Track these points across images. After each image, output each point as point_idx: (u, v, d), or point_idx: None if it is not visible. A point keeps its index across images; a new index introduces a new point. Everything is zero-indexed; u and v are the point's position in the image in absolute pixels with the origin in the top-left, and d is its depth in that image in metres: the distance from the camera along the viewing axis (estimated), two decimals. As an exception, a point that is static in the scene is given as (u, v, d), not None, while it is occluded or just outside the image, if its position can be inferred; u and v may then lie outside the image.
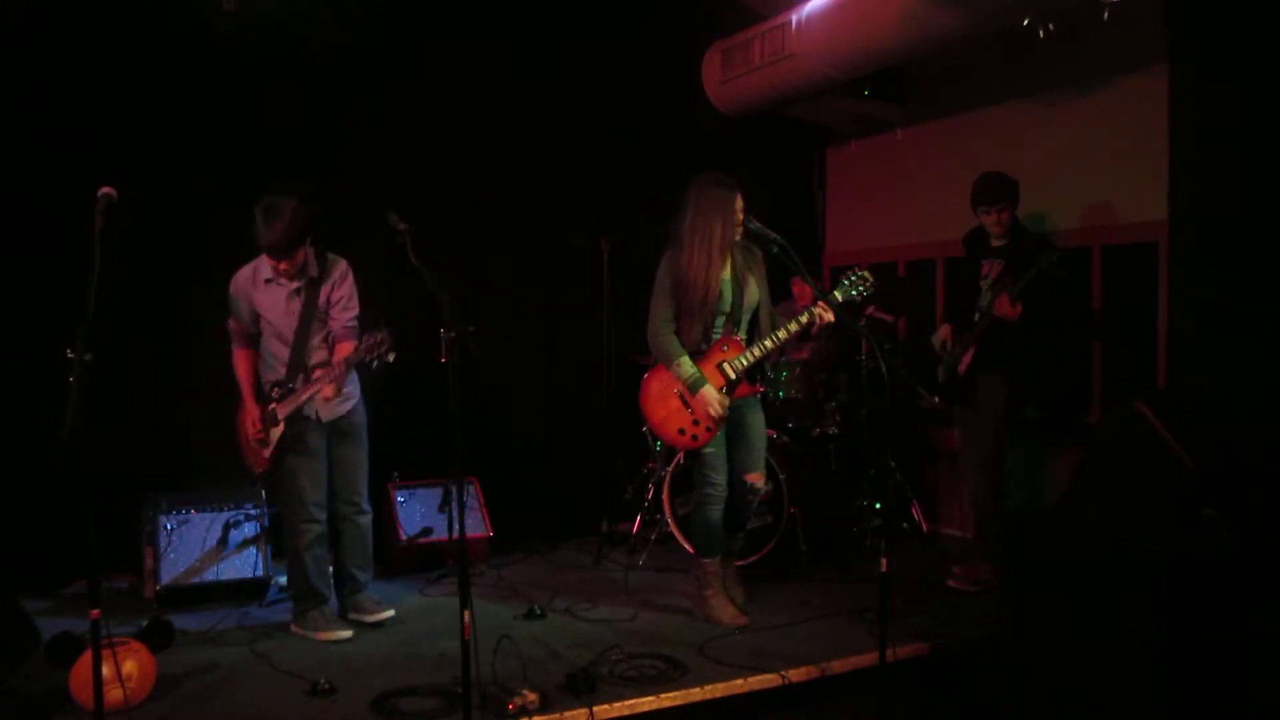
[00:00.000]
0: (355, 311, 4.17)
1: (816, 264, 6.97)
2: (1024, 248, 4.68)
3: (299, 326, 4.07)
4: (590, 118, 6.05)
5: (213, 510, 4.79)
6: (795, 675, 3.72)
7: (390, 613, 4.34)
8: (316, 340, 4.12)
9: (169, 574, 4.60)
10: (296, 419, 4.10)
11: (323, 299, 4.11)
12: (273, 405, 4.11)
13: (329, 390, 3.95)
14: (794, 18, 5.36)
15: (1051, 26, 4.47)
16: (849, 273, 4.17)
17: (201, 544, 4.70)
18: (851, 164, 6.87)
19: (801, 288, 5.80)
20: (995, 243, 4.81)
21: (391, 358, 3.75)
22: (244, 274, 4.14)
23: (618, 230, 5.58)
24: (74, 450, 2.73)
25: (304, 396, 4.02)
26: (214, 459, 5.09)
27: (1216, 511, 3.35)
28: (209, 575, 4.66)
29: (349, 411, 4.23)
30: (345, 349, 4.01)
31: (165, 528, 4.67)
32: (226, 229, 5.10)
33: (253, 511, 4.83)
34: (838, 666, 3.81)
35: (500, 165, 5.83)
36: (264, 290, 4.09)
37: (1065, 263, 4.54)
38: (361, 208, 4.23)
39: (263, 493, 4.89)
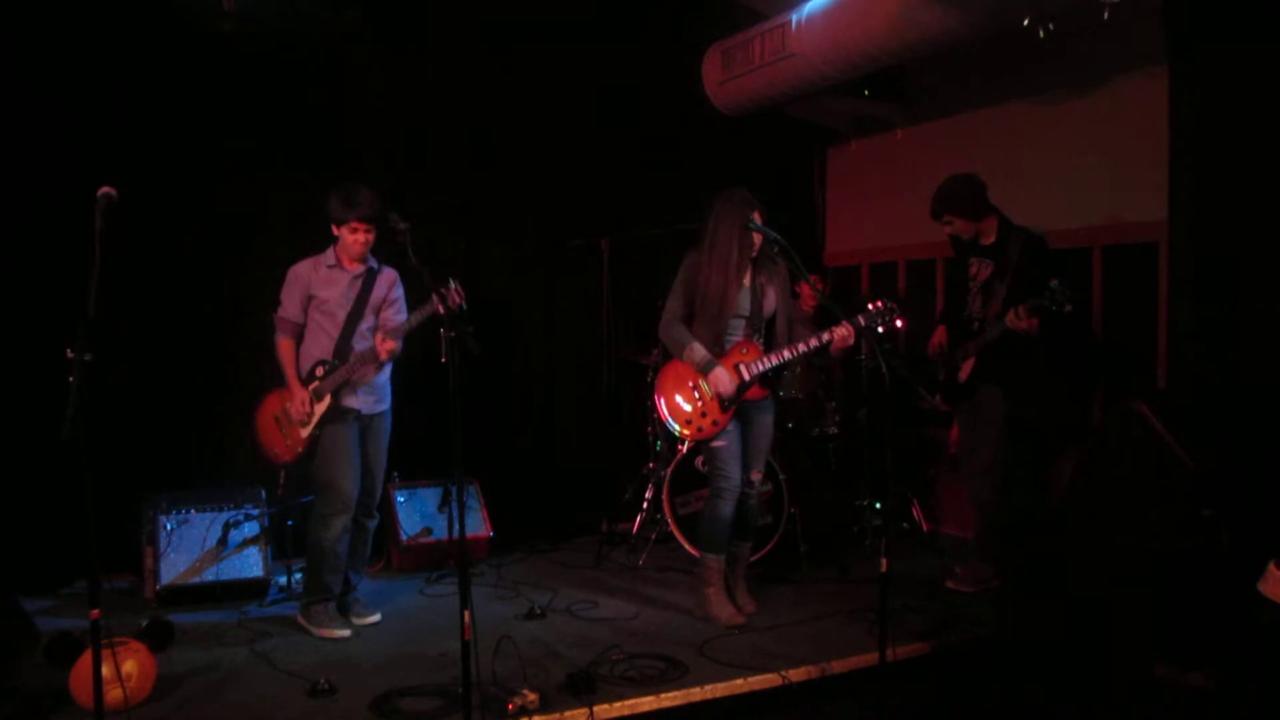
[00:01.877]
0: (405, 317, 4.30)
1: (817, 264, 6.97)
2: (1015, 248, 4.65)
3: (352, 310, 4.20)
4: (590, 117, 6.05)
5: (213, 510, 4.79)
6: (795, 675, 3.72)
7: (376, 616, 4.36)
8: (364, 327, 4.24)
9: (169, 574, 4.60)
10: (341, 409, 4.17)
11: (376, 295, 4.26)
12: (316, 383, 4.17)
13: (391, 344, 4.04)
14: (794, 17, 5.36)
15: (1051, 26, 4.47)
16: (879, 301, 4.12)
17: (201, 544, 4.70)
18: (851, 164, 6.87)
19: (802, 288, 5.81)
20: (984, 241, 4.80)
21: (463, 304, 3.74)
22: (304, 263, 4.26)
23: (618, 230, 5.58)
24: (74, 450, 2.74)
25: (351, 371, 4.12)
26: (214, 459, 5.10)
27: (1216, 511, 3.35)
28: (209, 575, 4.66)
29: (383, 414, 4.32)
30: (391, 344, 4.15)
31: (165, 528, 4.67)
32: (227, 228, 5.13)
33: (253, 511, 4.82)
34: (838, 666, 3.81)
35: (500, 165, 5.84)
36: (326, 274, 4.22)
37: (1072, 299, 4.38)
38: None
39: (262, 493, 4.89)
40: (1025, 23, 4.45)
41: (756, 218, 4.14)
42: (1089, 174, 5.15)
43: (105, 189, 3.03)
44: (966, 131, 5.88)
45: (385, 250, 4.19)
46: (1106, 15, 4.30)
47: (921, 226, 6.12)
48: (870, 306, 4.11)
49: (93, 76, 4.81)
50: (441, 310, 3.44)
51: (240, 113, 5.12)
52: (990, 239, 4.75)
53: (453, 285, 3.73)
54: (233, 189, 5.12)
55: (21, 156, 4.67)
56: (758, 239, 4.16)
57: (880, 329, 4.09)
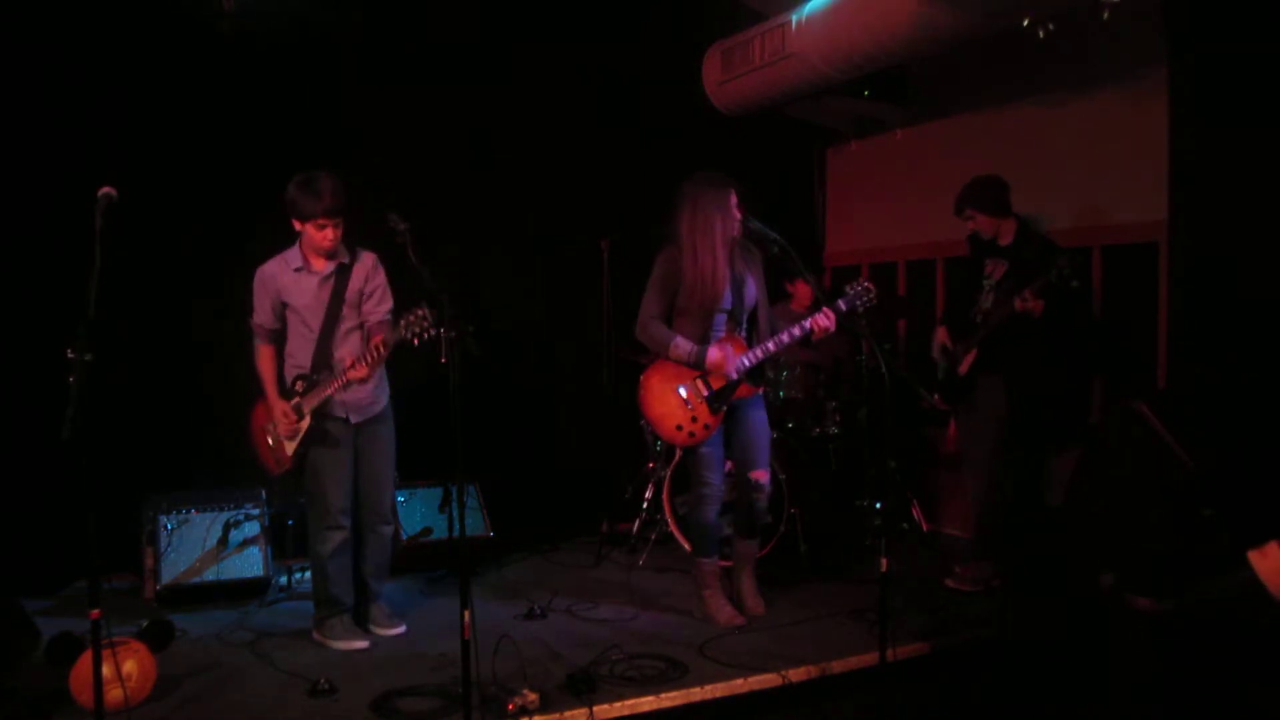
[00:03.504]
0: (390, 305, 4.11)
1: (817, 264, 6.97)
2: (1030, 250, 4.68)
3: (327, 314, 3.99)
4: (590, 117, 6.05)
5: (213, 510, 4.79)
6: (795, 675, 3.72)
7: (402, 628, 4.24)
8: (344, 330, 4.02)
9: (169, 574, 4.60)
10: (327, 418, 4.02)
11: (353, 289, 4.03)
12: (297, 399, 4.01)
13: (362, 370, 3.82)
14: (794, 17, 5.36)
15: (1052, 26, 4.47)
16: (854, 283, 4.10)
17: (201, 544, 4.70)
18: (851, 164, 6.87)
19: (799, 287, 5.81)
20: (1001, 242, 4.81)
21: (432, 334, 3.54)
22: (270, 265, 4.03)
23: (618, 230, 5.58)
24: (74, 450, 2.73)
25: (333, 386, 3.92)
26: (214, 459, 5.10)
27: (1216, 511, 3.35)
28: (209, 575, 4.66)
29: (378, 415, 4.14)
30: (363, 370, 3.90)
31: (165, 528, 4.67)
32: (227, 228, 5.13)
33: (253, 511, 4.83)
34: (838, 666, 3.81)
35: (500, 165, 5.84)
36: (294, 278, 3.99)
37: (1079, 273, 4.45)
38: (361, 207, 4.23)
39: (263, 493, 4.89)
40: (1025, 23, 4.45)
41: (733, 197, 4.10)
42: (1089, 174, 5.15)
43: (105, 189, 3.03)
44: (966, 131, 5.88)
45: (385, 251, 4.17)
46: (1106, 15, 4.30)
47: (921, 226, 6.16)
48: (848, 289, 4.06)
49: (93, 76, 4.80)
50: (408, 337, 3.46)
51: (240, 113, 5.12)
52: (1007, 240, 4.77)
53: (421, 312, 3.55)
54: (233, 189, 5.12)
55: (22, 156, 4.67)
56: (738, 217, 4.09)
57: (860, 306, 4.04)
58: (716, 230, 4.07)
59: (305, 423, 4.02)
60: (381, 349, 3.81)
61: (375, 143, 5.40)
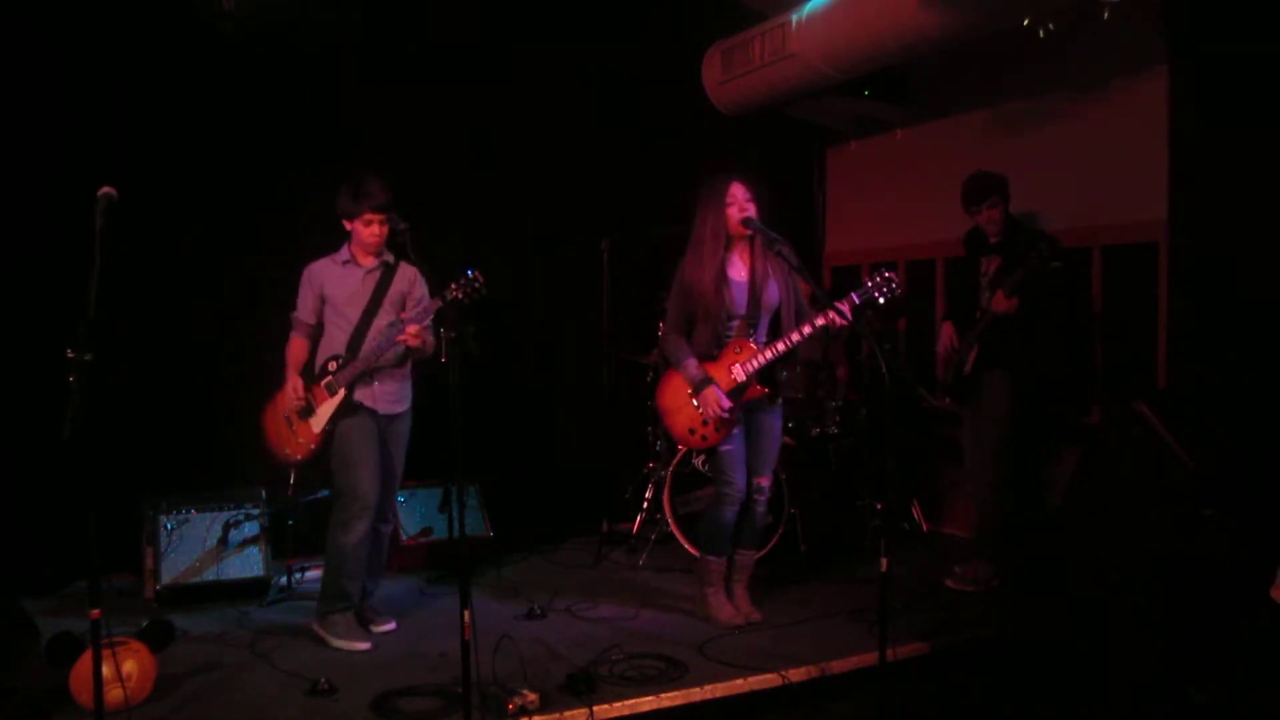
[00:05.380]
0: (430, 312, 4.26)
1: (817, 264, 6.97)
2: (1019, 243, 4.69)
3: (368, 304, 4.11)
4: (590, 117, 6.05)
5: (213, 510, 4.79)
6: (795, 675, 3.72)
7: (392, 625, 4.27)
8: (382, 324, 4.11)
9: (169, 574, 4.60)
10: (359, 409, 4.07)
11: (397, 289, 4.16)
12: (329, 378, 4.08)
13: (414, 329, 3.93)
14: (794, 17, 5.36)
15: (1051, 26, 4.47)
16: (876, 273, 4.00)
17: (201, 544, 4.70)
18: (851, 164, 6.87)
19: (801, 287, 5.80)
20: (992, 239, 4.83)
21: (484, 294, 3.81)
22: (319, 262, 4.19)
23: (618, 230, 5.58)
24: (74, 450, 2.74)
25: (369, 361, 4.03)
26: (214, 459, 5.10)
27: (1217, 512, 3.35)
28: (209, 575, 4.66)
29: (403, 414, 4.23)
30: (415, 326, 4.03)
31: (165, 528, 4.67)
32: (227, 228, 5.13)
33: (253, 511, 4.82)
34: (838, 666, 3.81)
35: (500, 165, 5.84)
36: (340, 270, 4.14)
37: (1059, 253, 4.49)
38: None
39: (263, 493, 4.89)
40: (1025, 23, 4.45)
41: (735, 190, 4.08)
42: (1089, 174, 5.15)
43: (105, 189, 3.03)
44: (966, 131, 5.88)
45: (386, 250, 4.18)
46: (1106, 15, 4.31)
47: (921, 226, 6.16)
48: (868, 280, 3.99)
49: (93, 76, 4.80)
50: (461, 296, 3.57)
51: (240, 113, 5.12)
52: (1003, 235, 4.78)
53: (471, 273, 3.74)
54: (233, 189, 5.12)
55: (22, 156, 4.67)
56: (733, 215, 4.08)
57: (880, 299, 3.98)
58: (706, 234, 4.09)
59: (338, 399, 4.08)
60: (436, 308, 3.92)
61: (375, 143, 5.39)
